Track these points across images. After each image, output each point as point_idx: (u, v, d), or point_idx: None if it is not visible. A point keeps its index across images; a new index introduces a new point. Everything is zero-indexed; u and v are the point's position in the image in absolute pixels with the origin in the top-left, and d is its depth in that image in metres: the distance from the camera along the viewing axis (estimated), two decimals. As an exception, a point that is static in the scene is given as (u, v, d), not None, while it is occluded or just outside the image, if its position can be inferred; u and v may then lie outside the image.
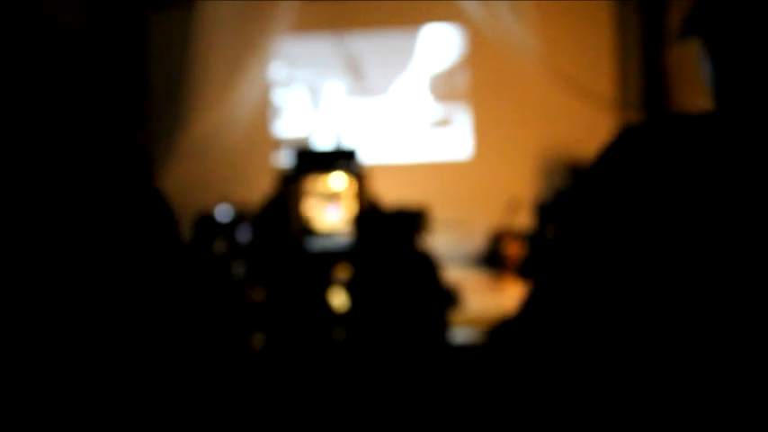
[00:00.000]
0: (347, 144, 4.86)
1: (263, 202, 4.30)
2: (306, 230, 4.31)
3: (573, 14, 5.70)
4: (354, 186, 4.45)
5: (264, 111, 6.11)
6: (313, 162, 4.53)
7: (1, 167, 0.76)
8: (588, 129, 5.47)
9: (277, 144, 6.02)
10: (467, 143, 6.21)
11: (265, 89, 6.05)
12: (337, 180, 4.52)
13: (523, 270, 4.25)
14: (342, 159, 4.56)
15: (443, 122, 6.17)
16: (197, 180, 5.26)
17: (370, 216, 3.86)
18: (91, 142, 0.83)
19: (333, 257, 3.88)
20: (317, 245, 4.25)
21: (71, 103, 0.81)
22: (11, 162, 0.77)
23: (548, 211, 4.60)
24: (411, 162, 6.14)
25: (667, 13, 5.49)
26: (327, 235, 4.33)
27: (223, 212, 4.50)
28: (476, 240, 5.46)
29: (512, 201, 5.35)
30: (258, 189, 4.90)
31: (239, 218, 4.41)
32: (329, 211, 4.53)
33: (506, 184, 5.65)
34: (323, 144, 5.00)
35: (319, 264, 3.84)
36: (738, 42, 0.71)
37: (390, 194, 4.90)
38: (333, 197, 4.51)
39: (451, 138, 6.22)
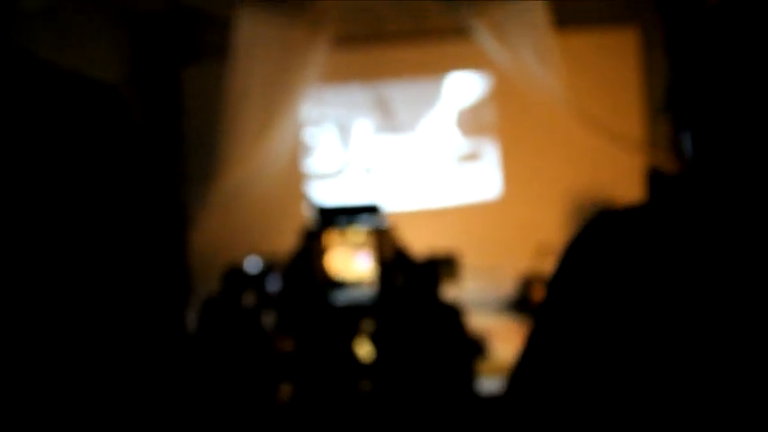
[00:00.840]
0: (370, 198, 4.93)
1: (290, 255, 4.38)
2: (331, 283, 4.35)
3: (599, 56, 5.70)
4: (377, 239, 4.49)
5: (296, 158, 6.20)
6: (335, 217, 4.61)
7: (42, 222, 0.76)
8: (617, 170, 5.63)
9: (308, 193, 6.11)
10: (495, 182, 6.20)
11: (297, 136, 6.15)
12: (359, 235, 4.59)
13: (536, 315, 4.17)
14: (364, 214, 4.64)
15: (471, 157, 6.18)
16: (229, 230, 5.32)
17: (394, 267, 3.92)
18: (129, 194, 0.85)
19: (359, 309, 3.92)
20: (342, 297, 4.29)
21: (108, 161, 0.81)
22: (52, 219, 0.77)
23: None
24: (438, 206, 6.16)
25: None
26: (353, 286, 4.38)
27: (252, 264, 4.57)
28: (505, 286, 5.42)
29: (541, 245, 5.32)
30: (290, 237, 4.93)
31: (269, 269, 4.50)
32: (356, 261, 4.58)
33: (535, 227, 5.60)
34: (347, 199, 5.08)
35: (345, 315, 3.89)
36: (710, 119, 0.76)
37: (419, 240, 4.96)
38: (358, 248, 4.55)
39: (479, 177, 6.23)
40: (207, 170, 5.52)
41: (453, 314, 3.23)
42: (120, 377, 0.81)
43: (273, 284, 4.29)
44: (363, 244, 4.53)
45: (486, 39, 5.25)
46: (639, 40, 5.93)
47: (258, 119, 5.69)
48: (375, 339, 3.29)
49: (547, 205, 5.82)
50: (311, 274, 4.26)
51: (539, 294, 4.87)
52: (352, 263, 4.52)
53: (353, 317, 3.82)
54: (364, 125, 6.34)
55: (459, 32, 5.39)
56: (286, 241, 5.00)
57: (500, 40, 5.23)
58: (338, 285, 4.38)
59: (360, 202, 4.85)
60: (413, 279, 3.33)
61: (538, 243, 5.36)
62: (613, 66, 5.77)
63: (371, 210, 4.66)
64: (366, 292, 4.27)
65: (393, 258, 4.27)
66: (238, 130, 5.65)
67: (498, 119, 6.17)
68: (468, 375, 3.13)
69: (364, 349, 3.63)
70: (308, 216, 5.04)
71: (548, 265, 5.10)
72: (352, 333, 3.74)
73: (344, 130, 6.35)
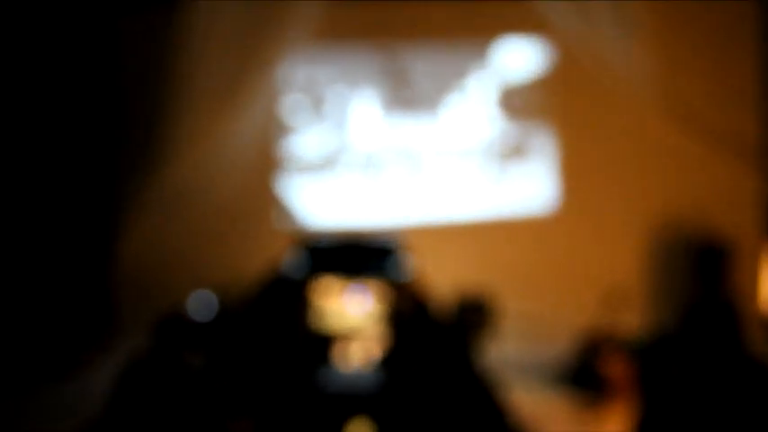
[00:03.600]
0: (385, 237, 4.93)
1: (256, 298, 4.26)
2: (319, 356, 4.28)
3: (703, 32, 5.59)
4: (392, 298, 4.39)
5: (269, 143, 6.12)
6: (331, 262, 4.57)
7: None
8: (721, 185, 5.53)
9: (286, 197, 6.03)
10: (548, 191, 6.05)
11: (272, 112, 6.09)
12: (361, 300, 4.48)
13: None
14: (374, 260, 4.59)
15: (516, 154, 6.11)
16: (171, 247, 5.31)
17: (409, 334, 3.97)
18: None
19: (357, 398, 3.88)
20: (335, 379, 4.20)
21: None
22: None
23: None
24: (469, 221, 6.05)
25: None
26: (351, 363, 4.37)
27: (201, 305, 4.42)
28: (558, 346, 5.22)
29: (612, 287, 5.20)
30: (258, 259, 4.83)
31: (225, 313, 4.37)
32: (352, 300, 4.52)
33: (604, 259, 5.56)
34: (344, 217, 5.26)
35: (338, 405, 3.83)
36: None
37: (440, 269, 4.90)
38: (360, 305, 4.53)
39: (526, 182, 6.09)
40: (146, 157, 5.45)
41: (485, 391, 3.33)
42: None
43: (230, 340, 4.15)
44: (365, 313, 4.53)
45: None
46: (759, 17, 5.79)
47: (219, 85, 5.65)
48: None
49: (621, 228, 5.73)
50: (289, 339, 4.18)
51: (608, 365, 4.67)
52: (349, 323, 4.46)
53: (349, 408, 3.75)
54: (369, 99, 6.19)
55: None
56: (252, 265, 4.88)
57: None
58: (329, 359, 4.31)
59: (367, 236, 4.89)
60: (433, 350, 3.49)
61: (607, 284, 5.26)
62: (722, 46, 5.64)
63: (385, 252, 4.65)
64: (369, 375, 4.17)
65: (409, 320, 4.25)
66: (191, 102, 5.58)
67: (557, 104, 6.03)
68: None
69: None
70: (284, 233, 5.12)
71: (621, 320, 5.00)
72: (344, 421, 3.67)
73: (340, 106, 6.20)
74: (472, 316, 4.34)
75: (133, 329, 4.02)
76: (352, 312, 4.44)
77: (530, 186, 6.09)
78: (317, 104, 6.18)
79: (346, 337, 4.43)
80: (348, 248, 4.71)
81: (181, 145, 5.56)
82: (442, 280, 4.60)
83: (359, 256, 4.64)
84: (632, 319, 5.06)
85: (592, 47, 5.34)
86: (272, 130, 6.10)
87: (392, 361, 4.17)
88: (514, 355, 4.86)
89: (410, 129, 6.17)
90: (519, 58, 6.08)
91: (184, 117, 5.61)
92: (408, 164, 6.16)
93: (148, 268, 4.95)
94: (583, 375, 4.84)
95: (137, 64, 5.72)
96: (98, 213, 5.51)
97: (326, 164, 6.16)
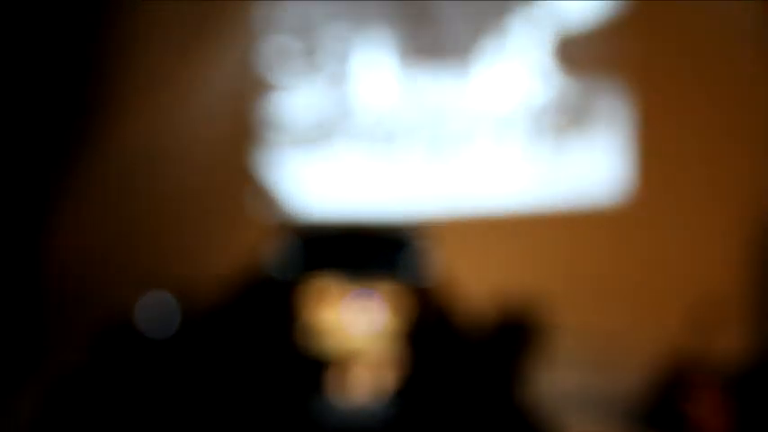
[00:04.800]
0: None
1: (231, 305, 4.39)
2: (311, 384, 4.34)
3: None
4: (411, 306, 4.44)
5: (244, 104, 6.21)
6: (328, 259, 4.60)
7: None
8: None
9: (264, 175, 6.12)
10: (618, 174, 6.12)
11: (248, 61, 6.19)
12: (368, 310, 4.56)
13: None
14: (385, 257, 4.59)
15: (576, 124, 6.16)
16: (119, 231, 5.43)
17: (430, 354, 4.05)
18: None
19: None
20: (334, 416, 4.29)
21: None
22: None
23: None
24: (512, 212, 6.12)
25: None
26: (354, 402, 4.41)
27: (155, 312, 4.47)
28: (631, 374, 5.29)
29: (702, 306, 5.28)
30: (231, 246, 5.03)
31: (185, 324, 4.45)
32: (356, 310, 4.55)
33: (692, 267, 5.61)
34: (342, 199, 5.31)
35: None
36: None
37: (474, 273, 5.03)
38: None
39: (589, 161, 6.16)
40: (81, 123, 5.56)
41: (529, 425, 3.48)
42: None
43: (195, 358, 4.24)
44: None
45: None
46: None
47: (177, 26, 5.81)
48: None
49: (716, 222, 5.78)
50: (272, 362, 4.28)
51: (696, 402, 4.73)
52: (352, 341, 4.53)
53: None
54: (379, 45, 6.27)
55: None
56: (221, 262, 5.01)
57: None
58: (325, 389, 4.40)
59: (376, 226, 4.97)
60: (464, 378, 3.65)
61: (696, 295, 5.35)
62: None
63: (400, 247, 4.62)
64: (379, 410, 4.28)
65: (433, 338, 4.34)
66: (139, 48, 5.72)
67: (633, 57, 6.09)
68: None
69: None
70: (263, 222, 5.25)
71: (714, 342, 5.10)
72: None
73: (341, 54, 6.29)
74: (517, 333, 4.36)
75: (67, 344, 4.13)
76: (356, 326, 4.50)
77: (595, 166, 6.15)
78: (310, 52, 6.25)
79: (348, 359, 4.49)
80: (350, 241, 4.75)
81: (127, 107, 5.68)
82: (476, 285, 4.67)
83: (365, 251, 4.68)
84: (729, 342, 5.13)
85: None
86: (249, 88, 6.19)
87: (410, 392, 4.24)
88: (573, 386, 4.96)
89: (434, 86, 6.22)
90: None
91: (131, 69, 5.73)
92: (432, 133, 6.22)
93: (85, 266, 5.04)
94: (662, 414, 4.91)
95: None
96: (19, 198, 5.56)
97: (322, 133, 6.23)
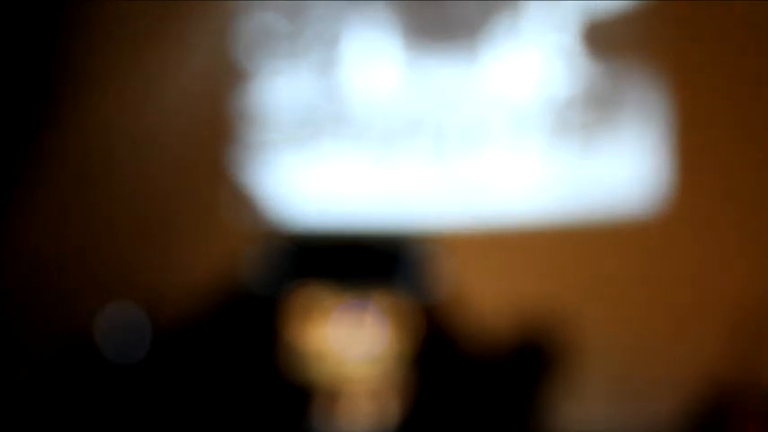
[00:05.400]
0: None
1: (206, 321, 4.45)
2: (301, 413, 4.43)
3: None
4: (414, 325, 4.50)
5: (222, 91, 6.26)
6: (319, 264, 4.68)
7: None
8: None
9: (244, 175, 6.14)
10: (653, 179, 6.15)
11: (227, 51, 6.24)
12: (365, 327, 4.63)
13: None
14: (385, 268, 4.67)
15: (603, 123, 6.19)
16: (78, 235, 5.47)
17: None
18: None
19: None
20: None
21: None
22: None
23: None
24: (531, 223, 6.14)
25: None
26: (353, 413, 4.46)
27: (120, 326, 4.48)
28: (665, 402, 5.38)
29: (746, 326, 5.33)
30: (205, 254, 5.09)
31: (154, 341, 4.46)
32: (351, 326, 4.63)
33: (734, 282, 5.63)
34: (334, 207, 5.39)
35: None
36: None
37: (490, 283, 5.13)
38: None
39: (619, 164, 6.19)
40: (36, 114, 5.60)
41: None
42: None
43: (166, 380, 4.29)
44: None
45: None
46: None
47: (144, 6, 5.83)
48: None
49: (762, 233, 5.83)
50: (254, 388, 4.39)
51: None
52: (347, 363, 4.60)
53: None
54: (378, 26, 6.33)
55: None
56: (194, 272, 5.11)
57: None
58: (316, 419, 4.48)
59: (374, 236, 5.11)
60: (478, 405, 3.81)
61: (739, 314, 5.38)
62: None
63: (402, 258, 4.71)
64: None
65: (442, 360, 4.42)
66: (102, 31, 5.78)
67: (669, 44, 6.13)
68: None
69: None
70: (240, 228, 5.31)
71: (760, 366, 5.21)
72: None
73: (333, 37, 6.34)
74: (536, 356, 4.40)
75: (16, 366, 4.15)
76: (349, 346, 4.54)
77: (626, 168, 6.18)
78: (296, 34, 6.30)
79: (341, 386, 4.54)
80: (341, 247, 4.84)
81: (89, 100, 5.70)
82: (491, 301, 4.73)
83: (360, 261, 4.75)
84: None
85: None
86: (225, 75, 6.24)
87: (416, 421, 4.29)
88: (601, 415, 4.99)
89: (441, 74, 6.26)
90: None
91: (94, 52, 5.77)
92: (438, 129, 6.26)
93: (39, 274, 5.05)
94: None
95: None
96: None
97: (310, 128, 6.27)
